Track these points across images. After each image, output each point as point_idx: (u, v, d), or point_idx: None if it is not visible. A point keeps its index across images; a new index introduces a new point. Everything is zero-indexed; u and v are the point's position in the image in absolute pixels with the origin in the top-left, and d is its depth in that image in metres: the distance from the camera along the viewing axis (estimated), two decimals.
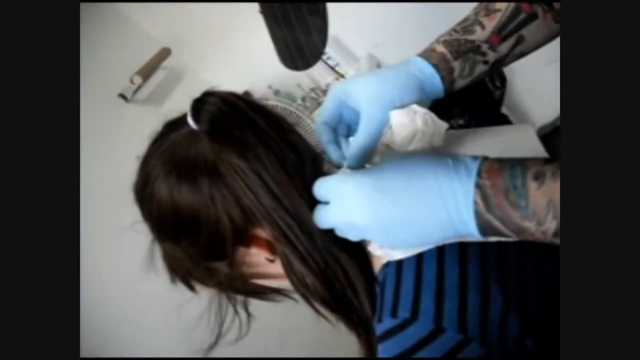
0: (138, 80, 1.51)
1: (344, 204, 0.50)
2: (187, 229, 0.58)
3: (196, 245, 0.59)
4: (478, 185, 0.43)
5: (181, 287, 0.66)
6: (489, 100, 1.65)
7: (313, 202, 0.55)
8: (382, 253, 0.56)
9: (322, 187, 0.53)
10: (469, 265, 0.51)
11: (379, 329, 0.51)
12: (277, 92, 1.80)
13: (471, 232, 0.45)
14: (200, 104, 0.59)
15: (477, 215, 0.43)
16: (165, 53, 1.66)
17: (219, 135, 0.56)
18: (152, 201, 0.59)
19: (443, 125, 0.60)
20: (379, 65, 1.77)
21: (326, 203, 0.53)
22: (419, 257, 0.53)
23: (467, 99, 1.60)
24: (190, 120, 0.58)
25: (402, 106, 0.58)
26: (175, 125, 0.61)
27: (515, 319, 0.48)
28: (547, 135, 2.02)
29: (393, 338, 0.49)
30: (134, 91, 1.51)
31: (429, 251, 0.52)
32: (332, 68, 1.73)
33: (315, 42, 0.56)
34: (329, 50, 1.72)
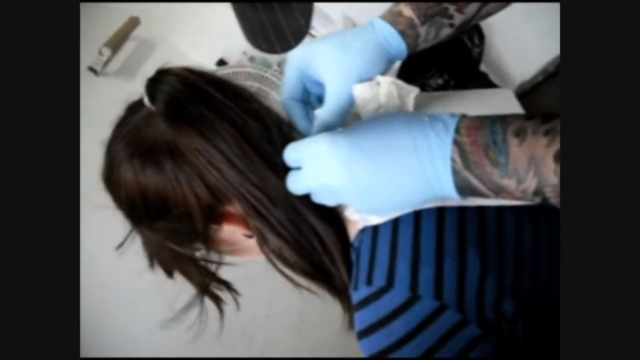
0: (107, 52, 1.46)
1: (319, 165, 0.48)
2: (157, 211, 0.57)
3: (169, 227, 0.58)
4: (456, 142, 0.42)
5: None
6: (468, 59, 1.63)
7: (284, 170, 0.54)
8: (358, 218, 0.55)
9: (295, 151, 0.51)
10: (445, 230, 0.50)
11: (355, 297, 0.51)
12: (252, 59, 1.76)
13: (448, 191, 0.44)
14: (154, 84, 0.57)
15: (455, 172, 0.42)
16: (134, 22, 1.60)
17: (175, 115, 0.55)
18: (120, 186, 0.58)
19: (412, 90, 0.59)
20: (354, 26, 1.74)
21: (298, 169, 0.51)
22: (395, 222, 0.52)
23: (446, 57, 1.58)
24: (146, 101, 0.56)
25: (368, 78, 0.57)
26: (134, 107, 0.59)
27: (492, 283, 0.48)
28: (527, 93, 2.01)
29: (369, 306, 0.49)
30: (104, 64, 1.46)
31: (406, 216, 0.51)
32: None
33: (300, 24, 0.53)
34: None
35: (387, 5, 0.69)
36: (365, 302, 0.49)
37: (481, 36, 1.63)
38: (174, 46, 1.79)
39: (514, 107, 0.66)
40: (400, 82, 0.61)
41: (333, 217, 0.58)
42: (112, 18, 1.59)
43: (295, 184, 0.52)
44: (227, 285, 0.67)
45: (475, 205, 0.51)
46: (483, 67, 1.75)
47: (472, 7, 0.61)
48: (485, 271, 0.48)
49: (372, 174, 0.45)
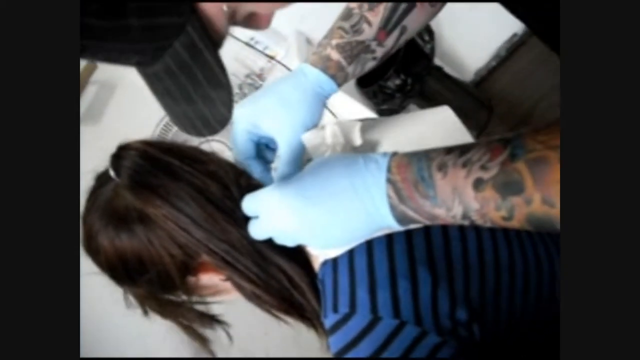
0: None
1: (273, 214, 0.52)
2: (136, 272, 0.62)
3: (149, 283, 0.62)
4: (389, 180, 0.46)
5: None
6: (421, 56, 1.67)
7: (246, 220, 0.58)
8: (319, 252, 0.59)
9: (251, 202, 0.55)
10: (396, 254, 0.54)
11: (326, 324, 0.55)
12: None
13: (390, 224, 0.48)
14: (117, 159, 0.62)
15: (392, 207, 0.46)
16: (90, 68, 1.62)
17: (139, 186, 0.59)
18: (99, 253, 0.63)
19: (355, 124, 0.64)
20: (308, 41, 1.78)
21: (256, 217, 0.56)
22: (351, 253, 0.56)
23: (400, 58, 1.62)
24: (112, 175, 0.61)
25: (313, 124, 0.62)
26: (102, 178, 0.64)
27: (444, 294, 0.52)
28: (484, 78, 2.07)
29: (339, 332, 0.53)
30: None
31: (359, 246, 0.56)
32: (261, 52, 1.72)
33: (222, 112, 0.56)
34: (255, 34, 1.71)
35: (338, 10, 0.72)
36: (335, 328, 0.54)
37: (430, 32, 1.68)
38: (135, 84, 1.80)
39: (452, 122, 0.70)
40: (343, 120, 0.66)
41: (297, 254, 0.63)
42: None
43: (255, 232, 0.56)
44: (219, 322, 0.71)
45: (420, 227, 0.56)
46: (437, 61, 1.80)
47: (391, 38, 0.66)
48: (436, 284, 0.52)
49: (321, 218, 0.49)
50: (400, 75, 1.62)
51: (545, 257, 0.60)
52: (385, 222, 0.48)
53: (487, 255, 0.56)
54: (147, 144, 0.63)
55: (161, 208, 0.58)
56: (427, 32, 1.67)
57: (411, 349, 0.50)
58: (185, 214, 0.58)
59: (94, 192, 0.64)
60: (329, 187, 0.49)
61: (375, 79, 1.65)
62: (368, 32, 0.64)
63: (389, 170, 0.46)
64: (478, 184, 0.41)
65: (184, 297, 0.66)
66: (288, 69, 1.56)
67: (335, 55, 0.63)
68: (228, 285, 0.64)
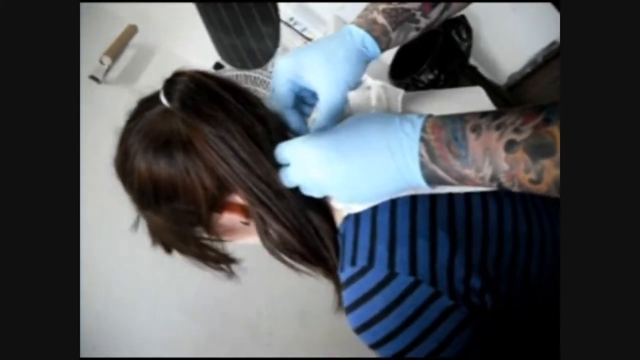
0: (107, 60, 1.51)
1: (306, 163, 0.55)
2: (165, 199, 0.63)
3: (175, 213, 0.64)
4: (423, 139, 0.48)
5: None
6: (457, 53, 1.67)
7: (280, 167, 0.60)
8: (342, 207, 0.61)
9: (284, 150, 0.58)
10: (418, 215, 0.56)
11: (342, 277, 0.57)
12: None
13: (419, 182, 0.50)
14: (171, 84, 0.63)
15: (423, 166, 0.49)
16: (131, 31, 1.65)
17: (190, 112, 0.60)
18: (133, 175, 0.63)
19: (398, 92, 0.66)
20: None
21: (287, 165, 0.58)
22: (374, 210, 0.58)
23: (436, 53, 1.62)
24: (163, 99, 0.61)
25: (354, 82, 0.64)
26: (149, 102, 0.64)
27: (461, 260, 0.54)
28: (518, 84, 2.05)
29: (354, 284, 0.55)
30: (105, 72, 1.51)
31: (383, 204, 0.58)
32: (300, 33, 1.73)
33: (269, 47, 0.59)
34: (296, 15, 1.73)
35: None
36: (350, 280, 0.56)
37: (469, 30, 1.67)
38: (172, 51, 1.83)
39: (484, 103, 0.71)
40: (388, 85, 0.67)
41: (322, 206, 0.64)
42: (110, 27, 1.63)
43: (286, 178, 0.58)
44: (229, 259, 0.73)
45: (445, 193, 0.58)
46: (472, 61, 1.79)
47: (435, 11, 0.67)
48: (455, 250, 0.54)
49: (351, 170, 0.52)
50: (434, 70, 1.63)
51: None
52: (414, 181, 0.50)
53: (507, 227, 0.58)
54: (204, 74, 0.64)
55: (207, 137, 0.59)
56: (466, 29, 1.66)
57: (423, 308, 0.52)
58: (230, 147, 0.59)
59: (138, 114, 0.64)
60: (363, 142, 0.51)
61: (409, 71, 1.65)
62: (414, 2, 0.66)
63: (423, 130, 0.49)
64: (510, 146, 0.43)
65: (202, 234, 0.67)
66: None
67: (381, 19, 0.65)
68: (247, 228, 0.66)
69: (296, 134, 0.65)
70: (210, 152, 0.59)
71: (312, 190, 0.56)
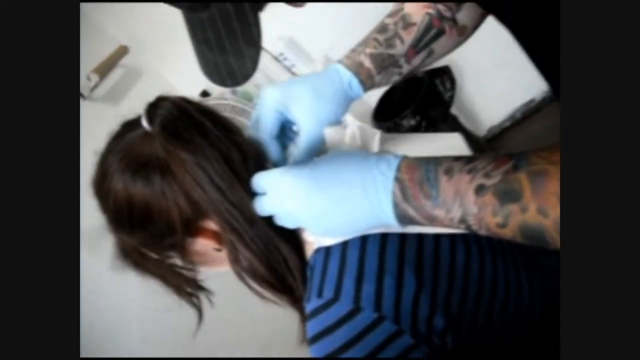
0: (95, 77, 1.51)
1: (282, 193, 0.56)
2: (140, 221, 0.63)
3: (149, 236, 0.64)
4: (397, 179, 0.50)
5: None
6: (440, 102, 1.71)
7: (254, 195, 0.61)
8: (314, 240, 0.62)
9: (262, 180, 0.59)
10: (387, 253, 0.57)
11: (308, 307, 0.57)
12: (234, 92, 1.83)
13: (390, 220, 0.51)
14: (153, 108, 0.64)
15: (395, 205, 0.50)
16: (122, 51, 1.67)
17: (170, 136, 0.61)
18: (109, 195, 0.64)
19: (375, 132, 0.68)
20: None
21: (263, 194, 0.59)
22: (345, 245, 0.59)
23: (419, 100, 1.66)
24: (144, 122, 0.62)
25: (336, 121, 0.66)
26: (131, 125, 0.65)
27: (426, 299, 0.54)
28: (496, 137, 2.11)
29: (319, 316, 0.55)
30: (91, 89, 1.52)
31: (354, 240, 0.59)
32: (288, 69, 1.77)
33: (247, 67, 0.61)
34: (286, 50, 1.76)
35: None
36: (316, 312, 0.56)
37: (452, 81, 1.72)
38: (160, 75, 1.85)
39: (461, 149, 0.74)
40: (365, 126, 0.70)
41: (293, 237, 0.65)
42: (101, 45, 1.65)
43: (260, 207, 0.59)
44: (199, 287, 0.72)
45: (414, 233, 0.59)
46: (454, 110, 1.84)
47: (418, 58, 0.71)
48: (420, 289, 0.55)
49: (326, 203, 0.53)
50: (417, 116, 1.66)
51: (526, 280, 0.62)
52: (386, 219, 0.51)
53: (473, 271, 0.59)
54: (186, 101, 0.65)
55: (185, 162, 0.60)
56: (450, 80, 1.71)
57: (384, 345, 0.52)
58: (206, 172, 0.60)
59: (120, 136, 0.65)
60: (340, 177, 0.53)
61: (392, 115, 1.69)
62: (399, 48, 0.69)
63: (398, 169, 0.50)
64: (480, 190, 0.44)
65: (173, 259, 0.67)
66: None
67: (367, 63, 0.68)
68: (217, 256, 0.66)
69: (274, 164, 0.66)
70: (186, 177, 0.60)
71: (285, 221, 0.57)
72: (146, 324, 1.32)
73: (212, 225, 0.63)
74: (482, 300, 0.58)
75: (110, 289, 1.23)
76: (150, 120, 0.62)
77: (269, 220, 0.60)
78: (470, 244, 0.60)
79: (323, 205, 0.53)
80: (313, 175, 0.54)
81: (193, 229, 0.64)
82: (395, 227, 0.52)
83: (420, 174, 0.48)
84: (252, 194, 0.61)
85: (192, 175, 0.60)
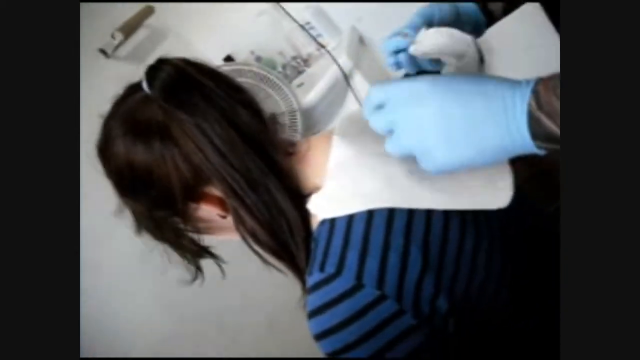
0: (119, 36, 1.50)
1: (410, 98, 0.50)
2: (141, 185, 0.63)
3: (150, 200, 0.64)
4: (534, 91, 0.45)
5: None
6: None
7: (266, 155, 0.60)
8: (318, 211, 0.61)
9: (380, 88, 0.53)
10: (393, 229, 0.55)
11: (309, 281, 0.57)
12: (258, 59, 1.81)
13: (524, 137, 0.46)
14: (153, 71, 0.63)
15: (530, 115, 0.45)
16: (148, 11, 1.65)
17: (169, 99, 0.60)
18: (111, 158, 0.64)
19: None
20: (361, 40, 1.79)
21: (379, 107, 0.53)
22: (350, 218, 0.57)
23: None
24: (144, 86, 0.62)
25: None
26: (133, 88, 0.65)
27: (431, 280, 0.53)
28: None
29: (319, 290, 0.54)
30: (115, 47, 1.51)
31: (360, 213, 0.57)
32: (314, 38, 1.74)
33: None
34: (313, 20, 1.73)
35: (395, 18, 0.75)
36: (316, 286, 0.55)
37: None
38: (185, 38, 1.83)
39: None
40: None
41: (301, 206, 0.64)
42: (127, 5, 1.64)
43: (378, 118, 0.53)
44: (210, 253, 0.72)
45: (423, 210, 0.57)
46: None
47: None
48: (425, 268, 0.53)
49: (463, 113, 0.47)
50: None
51: (535, 276, 0.61)
52: (519, 137, 0.46)
53: (480, 259, 0.57)
54: (187, 62, 0.64)
55: (184, 125, 0.59)
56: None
57: (385, 324, 0.51)
58: (207, 136, 0.59)
59: (123, 99, 0.65)
60: (480, 87, 0.48)
61: None
62: None
63: (535, 83, 0.46)
64: None
65: (178, 224, 0.67)
66: (335, 60, 1.57)
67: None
68: (223, 223, 0.65)
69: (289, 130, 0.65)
70: (186, 140, 0.59)
71: (408, 137, 0.51)
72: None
73: (215, 191, 0.62)
74: (487, 288, 0.56)
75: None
76: (151, 83, 0.61)
77: (279, 184, 0.59)
78: (481, 229, 0.59)
79: (458, 114, 0.47)
80: (451, 83, 0.49)
81: (196, 194, 0.63)
82: (525, 149, 0.47)
83: (554, 81, 0.44)
84: (260, 155, 0.60)
85: (192, 139, 0.59)
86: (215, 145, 0.59)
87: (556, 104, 0.44)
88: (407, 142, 0.51)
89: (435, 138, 0.49)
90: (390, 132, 0.52)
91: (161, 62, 0.64)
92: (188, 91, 0.61)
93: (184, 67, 0.63)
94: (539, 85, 0.45)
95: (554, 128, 0.44)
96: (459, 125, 0.48)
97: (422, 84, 0.50)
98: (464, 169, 0.51)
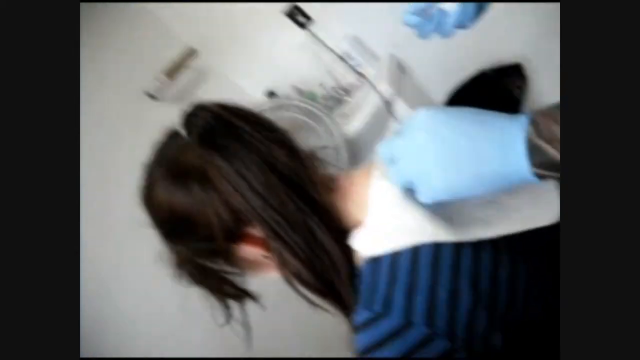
0: (164, 79, 1.55)
1: (414, 126, 0.51)
2: (183, 229, 0.64)
3: (193, 243, 0.64)
4: (532, 121, 0.45)
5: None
6: (510, 99, 1.65)
7: (306, 193, 0.60)
8: (362, 248, 0.60)
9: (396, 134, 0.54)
10: (440, 264, 0.54)
11: (356, 320, 0.55)
12: (299, 92, 1.83)
13: (522, 164, 0.45)
14: (190, 117, 0.65)
15: (529, 142, 0.45)
16: (191, 53, 1.70)
17: (206, 145, 0.61)
18: (153, 204, 0.65)
19: None
20: (400, 66, 1.79)
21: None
22: (395, 254, 0.56)
23: (488, 98, 1.61)
24: (182, 131, 0.63)
25: None
26: (172, 134, 0.66)
27: (484, 314, 0.51)
28: None
29: (367, 330, 0.53)
30: (161, 90, 1.56)
31: (405, 250, 0.55)
32: (353, 68, 1.75)
33: None
34: (351, 50, 1.74)
35: (433, 45, 0.75)
36: (364, 325, 0.53)
37: (523, 78, 1.65)
38: (226, 76, 1.88)
39: None
40: None
41: (344, 243, 0.63)
42: (171, 48, 1.69)
43: (385, 144, 0.54)
44: (251, 296, 0.72)
45: (469, 244, 0.55)
46: (526, 109, 1.77)
47: None
48: (477, 303, 0.51)
49: (460, 140, 0.47)
50: None
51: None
52: (516, 163, 0.46)
53: (533, 288, 0.55)
54: (222, 106, 0.65)
55: (222, 169, 0.60)
56: (521, 77, 1.65)
57: None
58: (244, 179, 0.59)
59: (163, 146, 0.66)
60: (477, 117, 0.48)
61: None
62: None
63: (533, 114, 0.45)
64: None
65: (223, 266, 0.67)
66: (375, 88, 1.58)
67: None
68: (268, 262, 0.65)
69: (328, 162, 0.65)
70: (224, 184, 0.60)
71: (408, 164, 0.52)
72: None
73: (256, 231, 0.62)
74: (528, 309, 0.54)
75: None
76: (188, 129, 0.63)
77: (316, 220, 0.59)
78: (530, 261, 0.57)
79: (456, 141, 0.48)
80: (450, 113, 0.49)
81: (237, 236, 0.63)
82: (522, 178, 0.47)
83: (551, 109, 0.44)
84: (300, 194, 0.60)
85: (230, 182, 0.60)
86: (253, 188, 0.60)
87: (556, 129, 0.43)
88: (407, 169, 0.52)
89: (434, 164, 0.49)
90: (392, 161, 0.53)
91: (197, 108, 0.66)
92: (224, 136, 0.62)
93: (219, 111, 0.64)
94: (537, 115, 0.45)
95: (554, 153, 0.44)
96: (457, 152, 0.48)
97: (421, 115, 0.50)
98: (461, 196, 0.50)
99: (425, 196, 0.52)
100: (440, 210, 0.57)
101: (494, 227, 0.56)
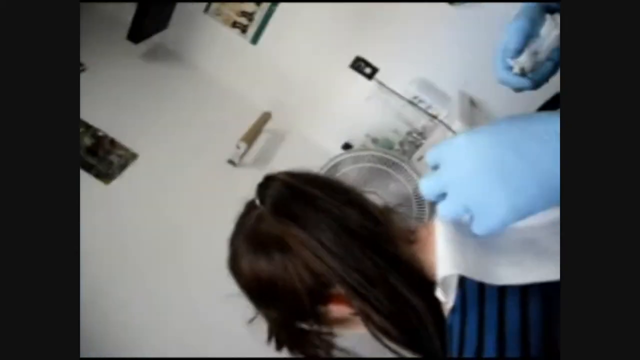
0: (243, 145, 1.62)
1: (454, 155, 0.50)
2: (270, 295, 0.66)
3: (282, 308, 0.66)
4: None
5: None
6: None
7: (383, 249, 0.60)
8: (447, 299, 0.58)
9: (434, 151, 0.52)
10: (529, 305, 0.52)
11: None
12: (374, 140, 1.85)
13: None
14: (263, 188, 0.67)
15: None
16: (266, 117, 1.77)
17: (280, 214, 0.63)
18: (240, 274, 0.68)
19: None
20: (472, 102, 1.78)
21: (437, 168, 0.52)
22: (481, 300, 0.55)
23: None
24: (257, 203, 0.66)
25: None
26: (250, 205, 0.69)
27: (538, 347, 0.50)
28: None
29: None
30: (241, 156, 1.62)
31: (490, 296, 0.54)
32: (424, 110, 1.76)
33: None
34: (420, 93, 1.76)
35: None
36: None
37: None
38: (302, 135, 1.93)
39: None
40: None
41: (428, 295, 0.62)
42: (247, 114, 1.77)
43: (429, 180, 0.52)
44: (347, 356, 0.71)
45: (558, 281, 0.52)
46: None
47: None
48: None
49: (505, 150, 0.46)
50: None
51: None
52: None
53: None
54: (291, 175, 0.67)
55: (299, 236, 0.62)
56: None
57: None
58: (321, 243, 0.61)
59: (242, 217, 0.69)
60: (526, 129, 0.47)
61: None
62: None
63: None
64: None
65: (314, 326, 0.68)
66: (450, 128, 1.57)
67: None
68: (358, 319, 0.65)
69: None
70: (303, 250, 0.62)
71: (459, 194, 0.50)
72: None
73: (341, 291, 0.63)
74: None
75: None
76: (262, 200, 0.65)
77: (396, 275, 0.59)
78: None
79: (501, 155, 0.46)
80: (486, 131, 0.47)
81: (323, 297, 0.64)
82: None
83: None
84: (377, 251, 0.60)
85: (308, 247, 0.61)
86: (330, 251, 0.61)
87: None
88: (461, 198, 0.49)
89: (489, 187, 0.47)
90: (443, 196, 0.51)
91: (268, 179, 0.68)
92: (296, 203, 0.64)
93: (289, 180, 0.67)
94: None
95: None
96: (506, 166, 0.46)
97: (460, 141, 0.48)
98: (528, 215, 0.47)
99: (488, 224, 0.49)
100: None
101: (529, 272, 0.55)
